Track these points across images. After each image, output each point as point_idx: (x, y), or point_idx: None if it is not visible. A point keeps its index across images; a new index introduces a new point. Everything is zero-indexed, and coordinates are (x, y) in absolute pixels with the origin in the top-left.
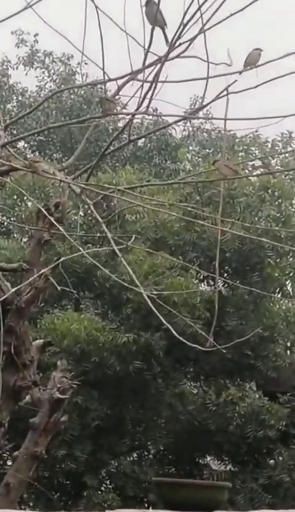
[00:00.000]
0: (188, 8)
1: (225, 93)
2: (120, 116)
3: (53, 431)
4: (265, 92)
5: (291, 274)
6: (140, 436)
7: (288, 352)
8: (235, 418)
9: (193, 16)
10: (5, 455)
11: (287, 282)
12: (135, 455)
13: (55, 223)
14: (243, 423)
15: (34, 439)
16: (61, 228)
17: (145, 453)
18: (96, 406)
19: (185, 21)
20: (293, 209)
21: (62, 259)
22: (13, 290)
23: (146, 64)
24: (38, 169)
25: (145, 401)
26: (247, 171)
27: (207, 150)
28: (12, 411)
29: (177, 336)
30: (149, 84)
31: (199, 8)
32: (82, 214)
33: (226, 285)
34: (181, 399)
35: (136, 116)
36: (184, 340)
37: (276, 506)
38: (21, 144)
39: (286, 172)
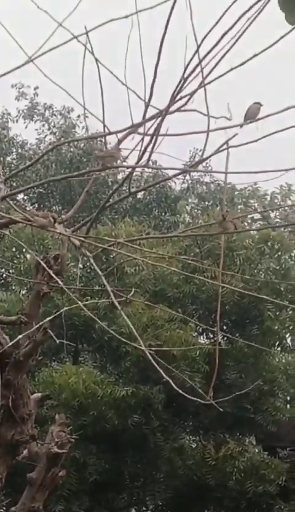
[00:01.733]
0: (188, 63)
1: (225, 146)
2: (120, 169)
3: (51, 486)
4: (266, 145)
5: (291, 327)
6: (138, 491)
7: (288, 406)
8: (234, 473)
9: (193, 70)
10: (1, 510)
11: (287, 335)
12: (133, 510)
13: (53, 276)
14: (242, 477)
15: (32, 494)
16: (59, 281)
17: (144, 508)
18: (94, 460)
19: (186, 75)
20: (292, 262)
21: (60, 311)
22: (12, 342)
23: (146, 117)
24: (47, 226)
25: (143, 455)
26: (246, 224)
27: (206, 202)
28: (9, 466)
29: (177, 389)
30: (149, 138)
31: (200, 63)
32: (81, 266)
33: (225, 338)
34: (180, 453)
35: (136, 169)
36: (184, 393)
37: None
38: (20, 196)
39: (286, 226)
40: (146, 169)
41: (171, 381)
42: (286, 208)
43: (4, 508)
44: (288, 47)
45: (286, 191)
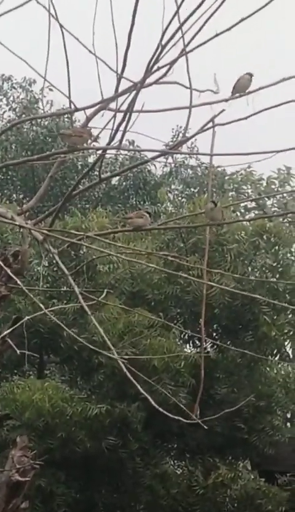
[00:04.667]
0: (167, 27)
1: (211, 124)
2: (91, 150)
3: None
4: (258, 122)
5: (291, 334)
6: None
7: (288, 424)
8: (226, 503)
9: (173, 36)
10: None
11: (286, 343)
12: None
13: (12, 276)
14: (235, 508)
15: None
16: (19, 282)
17: None
18: (63, 490)
19: (163, 42)
20: (292, 257)
21: (24, 319)
22: None
23: (119, 91)
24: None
25: (120, 483)
26: (238, 213)
27: (192, 189)
28: None
29: (157, 407)
30: (122, 114)
31: (180, 27)
32: (46, 264)
33: (215, 346)
34: (163, 480)
35: (109, 151)
36: (165, 412)
37: None
38: None
39: (284, 215)
40: (121, 151)
41: (149, 398)
42: (285, 195)
43: None
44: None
45: (284, 175)
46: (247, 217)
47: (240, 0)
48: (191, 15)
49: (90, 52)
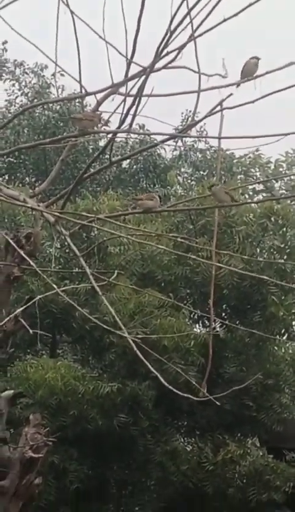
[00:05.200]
0: (176, 13)
1: (219, 108)
2: (101, 134)
3: (26, 496)
4: (266, 106)
5: None
6: (126, 501)
7: None
8: (235, 479)
9: (182, 21)
10: None
11: (293, 323)
12: None
13: (25, 257)
14: (244, 484)
15: (3, 505)
16: (32, 263)
17: None
18: (76, 466)
19: (172, 28)
20: None
21: (36, 298)
22: None
23: (129, 76)
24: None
25: (131, 460)
26: (247, 196)
27: (201, 172)
28: None
29: (167, 385)
30: (132, 98)
31: (188, 13)
32: (58, 246)
33: (224, 326)
34: (173, 457)
35: (119, 135)
36: (176, 390)
37: None
38: None
39: (292, 197)
40: (131, 134)
41: (160, 377)
42: (292, 177)
43: None
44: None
45: (292, 158)
46: (255, 199)
47: None
48: (199, 0)
49: (100, 37)
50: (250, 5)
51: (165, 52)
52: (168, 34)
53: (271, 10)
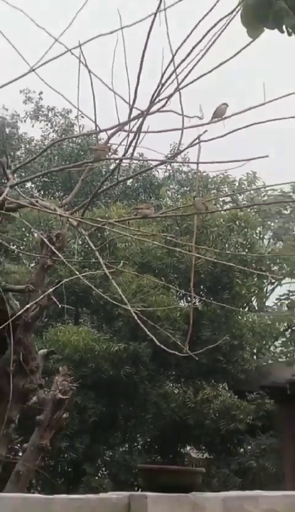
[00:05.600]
0: (165, 71)
1: (197, 141)
2: (111, 160)
3: (56, 427)
4: (233, 138)
5: (256, 292)
6: (130, 430)
7: (254, 357)
8: (210, 414)
9: (169, 77)
10: (16, 447)
11: (252, 299)
12: (126, 445)
13: (55, 251)
14: (217, 417)
15: (40, 433)
16: (60, 255)
17: (135, 444)
18: (93, 405)
19: (163, 82)
20: (257, 237)
21: (63, 281)
22: (23, 309)
23: (131, 117)
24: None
25: (134, 400)
26: (218, 205)
27: (184, 188)
28: (21, 410)
29: (159, 344)
30: (133, 134)
31: (174, 71)
32: (80, 243)
33: (201, 301)
34: (165, 398)
35: (124, 160)
36: (166, 348)
37: (245, 488)
38: (28, 185)
39: (251, 206)
40: (133, 161)
41: (154, 338)
42: (251, 192)
43: (18, 445)
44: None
45: (251, 177)
46: (224, 208)
47: (225, 44)
48: (182, 62)
49: (110, 89)
50: (220, 64)
51: (157, 100)
52: (159, 87)
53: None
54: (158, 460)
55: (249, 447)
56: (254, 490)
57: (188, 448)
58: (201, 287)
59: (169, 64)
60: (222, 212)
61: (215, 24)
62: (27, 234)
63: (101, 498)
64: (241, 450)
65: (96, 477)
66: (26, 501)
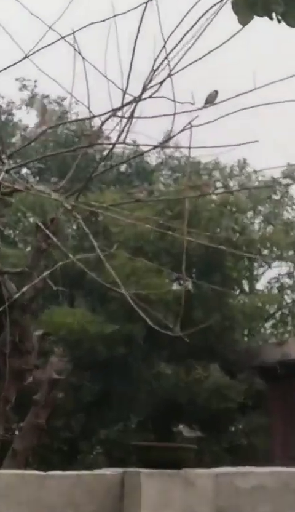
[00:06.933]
0: (157, 57)
1: (189, 126)
2: (104, 146)
3: (52, 406)
4: (227, 125)
5: (247, 275)
6: (124, 409)
7: (245, 339)
8: (201, 393)
9: (161, 63)
10: (13, 426)
11: (243, 281)
12: (121, 424)
13: (50, 235)
14: (208, 397)
15: (36, 412)
16: (55, 239)
17: (129, 423)
18: (88, 385)
19: (155, 67)
20: (248, 221)
21: (58, 264)
22: (20, 292)
23: (124, 103)
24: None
25: (128, 380)
26: (210, 191)
27: (177, 174)
28: (18, 389)
29: (153, 325)
30: (126, 120)
31: (166, 57)
32: (75, 227)
33: (193, 284)
34: (158, 378)
35: (117, 146)
36: (159, 329)
37: (236, 465)
38: (24, 170)
39: (241, 191)
40: (127, 146)
41: (148, 320)
42: (242, 177)
43: (15, 424)
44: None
45: (242, 164)
46: (213, 192)
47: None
48: (173, 49)
49: (103, 75)
50: (210, 52)
51: (149, 85)
52: (152, 73)
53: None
54: (152, 439)
55: (240, 426)
56: (245, 467)
57: (180, 426)
58: (194, 270)
59: (161, 51)
60: (214, 197)
61: (207, 11)
62: (23, 219)
63: (95, 474)
64: (232, 428)
65: (91, 455)
66: (22, 478)
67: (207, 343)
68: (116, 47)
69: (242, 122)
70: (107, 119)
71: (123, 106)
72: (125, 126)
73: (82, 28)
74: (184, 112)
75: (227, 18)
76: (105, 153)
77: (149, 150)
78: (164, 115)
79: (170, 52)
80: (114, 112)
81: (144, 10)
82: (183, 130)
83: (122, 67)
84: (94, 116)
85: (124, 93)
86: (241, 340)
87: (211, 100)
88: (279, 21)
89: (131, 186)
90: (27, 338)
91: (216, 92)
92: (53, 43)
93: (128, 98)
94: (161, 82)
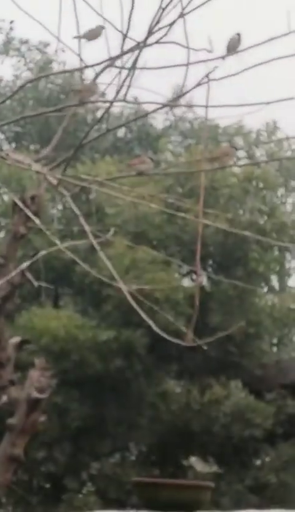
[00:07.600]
0: None
1: (206, 80)
2: (99, 104)
3: (31, 432)
4: (250, 80)
5: (277, 269)
6: (122, 437)
7: (275, 349)
8: (219, 418)
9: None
10: None
11: (272, 277)
12: (117, 456)
13: (31, 216)
14: (228, 422)
15: (12, 440)
16: (37, 221)
17: (128, 454)
18: (77, 406)
19: (163, 5)
20: (278, 201)
21: (40, 254)
22: None
23: (124, 50)
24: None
25: (127, 401)
26: (231, 162)
27: (189, 140)
28: None
29: (158, 331)
30: (127, 71)
31: None
32: (61, 207)
33: (210, 280)
34: (164, 398)
35: (115, 105)
36: (167, 336)
37: (262, 508)
38: None
39: (271, 162)
40: (127, 105)
41: (151, 323)
42: (272, 145)
43: None
44: None
45: (272, 128)
46: (235, 164)
47: None
48: None
49: (98, 14)
50: None
51: (156, 28)
52: (160, 11)
53: None
54: (157, 474)
55: (268, 459)
56: (273, 510)
57: (192, 459)
58: (210, 262)
59: None
60: (236, 170)
61: None
62: None
63: None
64: (258, 462)
65: (80, 495)
66: None
67: (227, 354)
68: None
69: (271, 75)
70: (103, 70)
71: (123, 53)
72: (125, 79)
73: None
74: (199, 62)
75: None
76: (99, 114)
77: (155, 110)
78: (174, 65)
79: None
80: (111, 61)
81: None
82: (198, 85)
83: (122, 6)
84: (86, 66)
85: (124, 36)
86: (270, 350)
87: (233, 46)
88: None
89: (131, 155)
90: (1, 347)
91: (239, 36)
92: None
93: (129, 44)
94: (171, 24)
